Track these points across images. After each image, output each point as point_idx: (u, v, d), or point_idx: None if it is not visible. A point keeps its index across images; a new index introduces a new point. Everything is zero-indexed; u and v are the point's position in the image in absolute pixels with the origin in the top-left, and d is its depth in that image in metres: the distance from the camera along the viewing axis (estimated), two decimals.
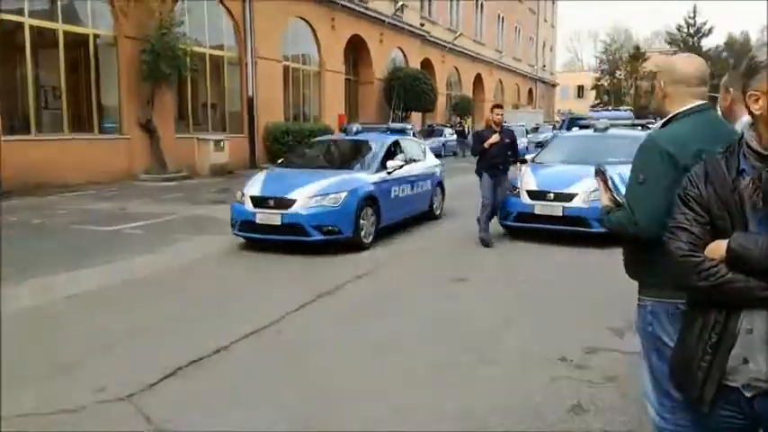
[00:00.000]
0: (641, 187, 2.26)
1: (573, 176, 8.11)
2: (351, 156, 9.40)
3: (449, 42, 34.73)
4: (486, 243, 7.99)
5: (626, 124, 10.60)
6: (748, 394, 1.67)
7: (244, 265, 7.26)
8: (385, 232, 8.55)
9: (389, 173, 8.57)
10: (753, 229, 1.63)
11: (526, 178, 8.41)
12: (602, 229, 7.57)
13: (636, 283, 2.51)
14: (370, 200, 8.05)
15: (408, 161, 9.36)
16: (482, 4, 40.21)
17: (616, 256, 7.69)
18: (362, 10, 25.47)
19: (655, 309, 2.39)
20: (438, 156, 25.75)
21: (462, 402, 3.63)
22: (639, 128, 9.96)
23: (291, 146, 18.89)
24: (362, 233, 7.78)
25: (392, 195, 8.65)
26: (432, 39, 32.46)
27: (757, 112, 1.63)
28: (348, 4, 24.12)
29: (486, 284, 6.29)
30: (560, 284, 6.22)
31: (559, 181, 8.12)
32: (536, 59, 53.19)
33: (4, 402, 3.46)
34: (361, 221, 7.76)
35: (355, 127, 10.08)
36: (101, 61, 15.48)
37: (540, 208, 7.96)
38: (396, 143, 9.41)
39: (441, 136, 28.03)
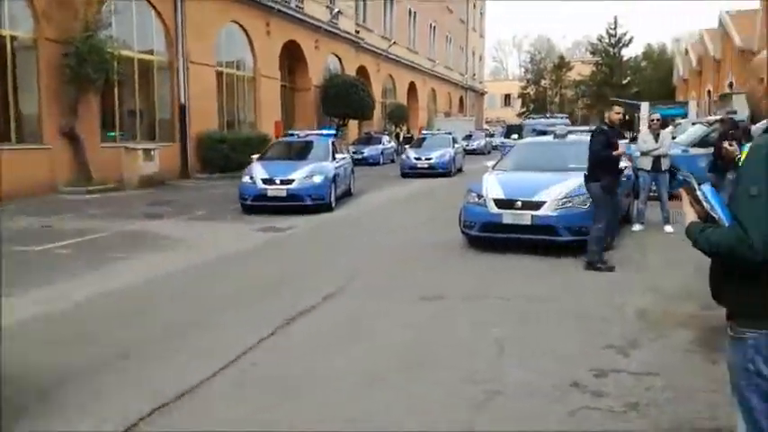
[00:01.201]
0: (756, 201, 1.88)
1: (539, 184, 7.87)
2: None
3: (383, 50, 34.56)
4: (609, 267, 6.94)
5: (582, 131, 10.54)
6: None
7: (201, 285, 6.56)
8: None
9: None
10: None
11: (491, 186, 8.09)
12: (571, 238, 7.53)
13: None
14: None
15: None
16: (415, 13, 40.35)
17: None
18: (298, 15, 24.86)
19: (759, 343, 2.01)
20: (376, 164, 26.08)
21: None
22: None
23: (227, 154, 18.11)
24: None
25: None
26: (367, 46, 32.19)
27: None
28: (283, 9, 23.45)
29: (464, 302, 5.86)
30: (544, 299, 5.88)
31: (526, 189, 7.85)
32: (466, 68, 53.96)
33: None
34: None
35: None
36: (18, 65, 14.17)
37: (509, 217, 7.64)
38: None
39: (379, 144, 27.66)
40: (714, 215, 2.04)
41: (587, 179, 7.22)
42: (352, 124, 29.83)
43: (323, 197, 11.88)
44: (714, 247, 2.00)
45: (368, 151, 26.59)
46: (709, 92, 35.41)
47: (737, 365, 2.11)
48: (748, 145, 4.82)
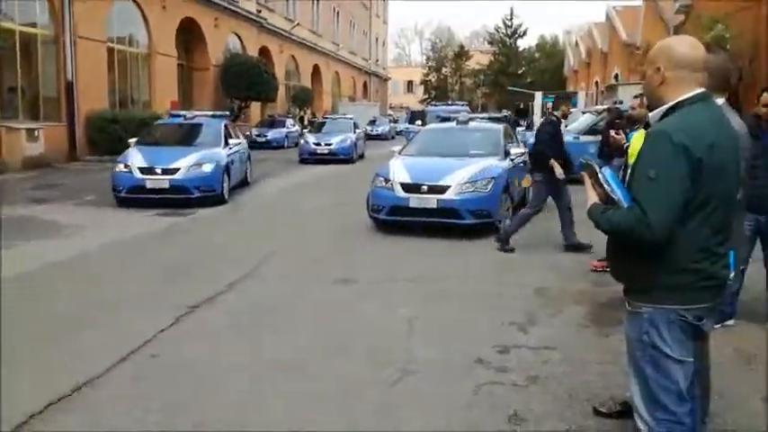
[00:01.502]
0: (653, 184, 2.03)
1: (444, 168, 8.07)
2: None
3: (286, 31, 33.89)
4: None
5: (483, 118, 10.88)
6: None
7: (98, 274, 6.19)
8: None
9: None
10: None
11: (398, 171, 8.20)
12: (474, 221, 7.79)
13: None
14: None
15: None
16: None
17: (493, 247, 7.78)
18: None
19: (653, 317, 2.19)
20: (280, 147, 25.59)
21: (395, 426, 3.25)
22: (497, 121, 10.28)
23: (119, 136, 17.07)
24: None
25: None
26: (269, 26, 31.42)
27: None
28: None
29: (374, 285, 5.93)
30: (449, 280, 6.05)
31: (432, 173, 8.02)
32: (370, 54, 54.07)
33: None
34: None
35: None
36: None
37: (416, 201, 7.78)
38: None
39: (283, 127, 27.20)
40: (614, 197, 2.17)
41: (533, 167, 7.38)
42: (255, 107, 29.11)
43: (213, 188, 10.43)
44: (615, 227, 2.13)
45: (271, 134, 26.10)
46: (597, 83, 37.58)
47: (633, 338, 2.27)
48: (634, 133, 5.20)
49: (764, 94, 4.46)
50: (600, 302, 5.29)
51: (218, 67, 25.80)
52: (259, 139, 25.68)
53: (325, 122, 22.05)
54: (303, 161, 19.38)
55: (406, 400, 3.53)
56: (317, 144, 19.58)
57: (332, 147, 19.34)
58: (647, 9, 28.20)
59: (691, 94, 2.14)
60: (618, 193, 2.16)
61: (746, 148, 3.16)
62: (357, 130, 21.34)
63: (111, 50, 19.53)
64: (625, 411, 3.20)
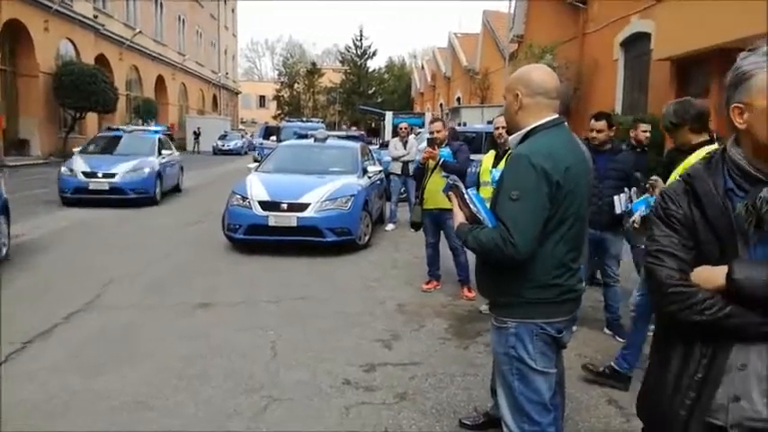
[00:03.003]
0: (516, 204, 2.13)
1: (303, 186, 7.99)
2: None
3: (127, 39, 31.86)
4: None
5: (340, 136, 10.97)
6: None
7: None
8: None
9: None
10: (743, 255, 1.49)
11: (256, 188, 7.97)
12: (335, 239, 7.77)
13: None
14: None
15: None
16: (161, 3, 37.95)
17: (353, 264, 7.83)
18: None
19: (519, 330, 2.28)
20: None
21: None
22: (354, 139, 10.40)
23: None
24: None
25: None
26: (107, 33, 29.33)
27: (741, 127, 1.50)
28: None
29: (235, 308, 5.67)
30: (312, 299, 5.96)
31: (291, 191, 7.88)
32: (219, 66, 52.55)
33: None
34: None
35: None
36: None
37: (275, 219, 7.60)
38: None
39: None
40: (480, 217, 2.26)
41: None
42: (92, 118, 26.90)
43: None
44: (481, 245, 2.20)
45: None
46: (441, 105, 39.68)
47: (500, 351, 2.36)
48: (443, 152, 5.56)
49: (593, 121, 4.92)
50: (459, 315, 5.50)
51: (48, 74, 23.58)
52: None
53: (116, 137, 14.11)
54: (66, 202, 11.82)
55: (274, 428, 3.39)
56: (91, 174, 11.95)
57: (115, 179, 11.97)
58: (485, 37, 30.39)
59: (547, 119, 2.29)
60: (483, 213, 2.24)
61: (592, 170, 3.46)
62: (168, 152, 14.20)
63: None
64: (488, 422, 3.34)
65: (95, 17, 27.96)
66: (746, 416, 1.49)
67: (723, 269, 1.46)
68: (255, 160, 12.34)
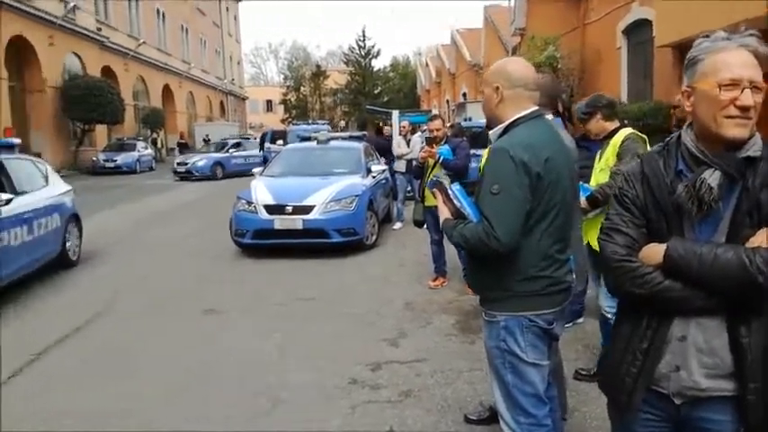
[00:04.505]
0: (497, 198, 2.14)
1: (307, 188, 8.03)
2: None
3: (131, 50, 32.11)
4: None
5: (344, 137, 11.00)
6: (678, 402, 1.62)
7: None
8: None
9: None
10: (688, 233, 1.58)
11: (260, 192, 8.03)
12: (341, 239, 7.80)
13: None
14: None
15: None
16: (163, 13, 38.19)
17: (361, 264, 7.84)
18: (24, 8, 21.80)
19: (508, 323, 2.29)
20: (132, 173, 24.07)
21: None
22: (357, 140, 10.44)
23: None
24: None
25: None
26: (112, 45, 29.58)
27: (688, 109, 1.58)
28: (5, 0, 20.38)
29: (243, 312, 5.71)
30: (320, 300, 6.00)
31: (295, 194, 7.93)
32: (224, 72, 52.78)
33: None
34: None
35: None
36: None
37: (280, 222, 7.65)
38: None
39: (133, 150, 25.65)
40: (464, 212, 2.27)
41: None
42: (101, 130, 27.17)
43: None
44: (466, 240, 2.22)
45: (121, 159, 24.56)
46: (447, 101, 39.59)
47: (492, 345, 2.37)
48: (441, 149, 5.55)
49: None
50: (465, 310, 5.51)
51: (56, 88, 23.83)
52: (108, 165, 24.09)
53: None
54: None
55: (279, 429, 3.43)
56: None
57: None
58: (488, 31, 30.28)
59: (527, 111, 2.29)
60: (467, 209, 2.26)
61: (575, 160, 3.48)
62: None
63: None
64: (493, 416, 3.34)
65: (99, 30, 28.20)
66: (686, 385, 1.59)
67: (664, 246, 1.55)
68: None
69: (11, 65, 21.88)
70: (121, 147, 25.83)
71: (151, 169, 25.96)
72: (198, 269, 7.51)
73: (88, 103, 23.26)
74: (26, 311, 5.79)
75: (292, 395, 3.84)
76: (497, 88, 2.31)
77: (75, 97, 23.24)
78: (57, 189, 7.57)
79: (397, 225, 10.00)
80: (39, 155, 23.18)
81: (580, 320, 4.95)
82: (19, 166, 6.95)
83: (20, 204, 6.31)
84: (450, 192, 2.32)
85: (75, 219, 7.89)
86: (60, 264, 7.29)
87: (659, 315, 1.59)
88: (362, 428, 3.41)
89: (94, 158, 24.69)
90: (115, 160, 24.34)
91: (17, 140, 7.39)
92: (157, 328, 5.27)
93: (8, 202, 6.02)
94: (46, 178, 7.49)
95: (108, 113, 24.32)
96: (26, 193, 6.66)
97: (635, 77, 14.98)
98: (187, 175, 21.73)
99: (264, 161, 16.46)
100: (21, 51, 22.53)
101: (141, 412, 3.65)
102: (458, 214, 2.30)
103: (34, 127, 23.38)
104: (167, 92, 38.41)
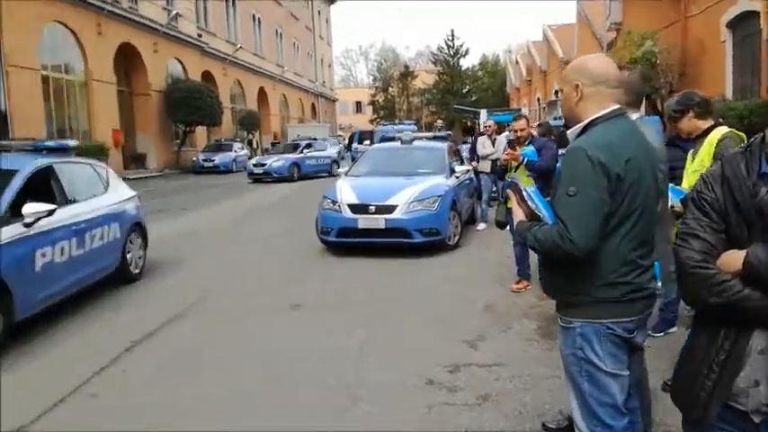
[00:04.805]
0: (573, 200, 2.06)
1: (391, 188, 8.10)
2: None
3: (229, 55, 33.66)
4: None
5: (427, 137, 11.01)
6: (757, 420, 1.51)
7: None
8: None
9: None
10: None
11: (345, 192, 8.19)
12: (423, 239, 7.82)
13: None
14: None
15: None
16: (259, 19, 39.74)
17: (443, 265, 7.78)
18: (132, 17, 23.39)
19: (585, 330, 2.21)
20: (228, 172, 25.24)
21: None
22: (440, 140, 10.41)
23: None
24: None
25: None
26: (211, 50, 31.15)
27: None
28: (115, 10, 21.95)
29: (325, 309, 5.85)
30: (401, 299, 6.05)
31: (378, 193, 8.03)
32: (316, 75, 54.19)
33: None
34: None
35: None
36: None
37: (364, 221, 7.77)
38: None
39: (230, 151, 26.90)
40: (539, 214, 2.21)
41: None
42: (201, 131, 28.71)
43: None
44: (540, 243, 2.16)
45: (219, 159, 25.83)
46: (538, 99, 38.65)
47: (567, 352, 2.29)
48: (526, 149, 5.41)
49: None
50: (548, 316, 5.35)
51: (160, 92, 25.39)
52: (206, 164, 25.40)
53: None
54: None
55: (357, 427, 3.48)
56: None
57: None
58: (581, 27, 29.26)
59: (607, 110, 2.19)
60: (542, 210, 2.20)
61: (663, 161, 3.30)
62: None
63: (45, 78, 19.01)
64: (572, 425, 3.24)
65: (199, 36, 29.79)
66: (765, 402, 1.47)
67: (743, 253, 1.44)
68: None
69: (119, 70, 23.53)
70: (219, 147, 27.16)
71: (246, 169, 27.06)
72: (284, 265, 7.76)
73: (189, 106, 24.66)
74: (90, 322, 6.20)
75: (370, 393, 3.88)
76: (577, 86, 2.23)
77: (178, 100, 24.67)
78: (117, 196, 6.87)
79: (481, 226, 9.88)
80: (144, 155, 24.97)
81: (673, 330, 4.69)
82: (74, 170, 6.29)
83: (69, 215, 5.62)
84: (524, 193, 2.28)
85: (139, 228, 7.21)
86: (120, 278, 6.65)
87: (737, 326, 1.50)
88: (437, 429, 3.40)
89: (194, 158, 26.09)
90: (213, 160, 25.60)
91: (73, 142, 6.91)
92: (246, 322, 5.49)
93: (51, 213, 5.15)
94: (106, 184, 6.80)
95: (207, 116, 25.68)
96: (77, 201, 5.97)
97: (741, 73, 14.01)
98: (263, 176, 21.03)
99: (352, 161, 16.75)
100: (128, 58, 24.17)
101: (222, 406, 3.82)
102: (533, 216, 2.25)
103: (140, 129, 25.01)
104: (262, 94, 39.94)
